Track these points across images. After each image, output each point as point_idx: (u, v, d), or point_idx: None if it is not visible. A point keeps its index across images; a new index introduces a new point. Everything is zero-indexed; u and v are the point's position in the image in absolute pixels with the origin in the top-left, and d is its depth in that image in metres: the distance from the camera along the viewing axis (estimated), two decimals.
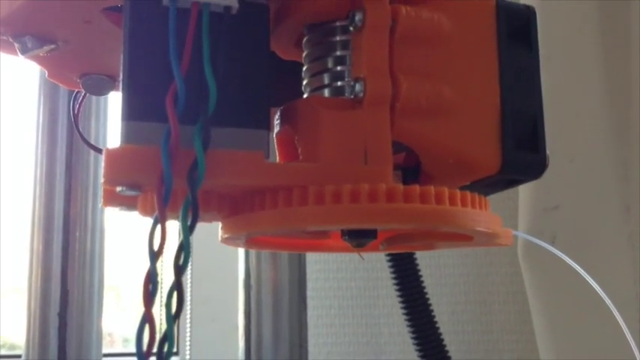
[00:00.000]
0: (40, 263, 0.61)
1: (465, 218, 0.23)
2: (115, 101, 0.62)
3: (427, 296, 0.49)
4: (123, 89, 0.23)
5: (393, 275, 0.49)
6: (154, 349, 0.21)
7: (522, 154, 0.26)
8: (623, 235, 0.75)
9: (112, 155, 0.22)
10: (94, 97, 0.61)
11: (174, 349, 0.84)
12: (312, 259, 0.86)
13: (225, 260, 0.88)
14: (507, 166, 0.26)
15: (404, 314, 0.50)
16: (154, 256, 0.21)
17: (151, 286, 0.21)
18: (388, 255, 0.48)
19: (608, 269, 0.73)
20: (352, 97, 0.25)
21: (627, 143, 0.75)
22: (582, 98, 0.75)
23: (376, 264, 0.87)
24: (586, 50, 0.74)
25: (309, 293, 0.64)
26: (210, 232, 0.30)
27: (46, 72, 0.37)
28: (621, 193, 0.75)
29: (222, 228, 0.26)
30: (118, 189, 0.23)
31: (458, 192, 0.23)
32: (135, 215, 0.26)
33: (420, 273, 0.49)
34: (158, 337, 0.21)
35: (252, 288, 0.63)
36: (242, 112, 0.24)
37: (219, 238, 0.26)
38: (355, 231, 0.26)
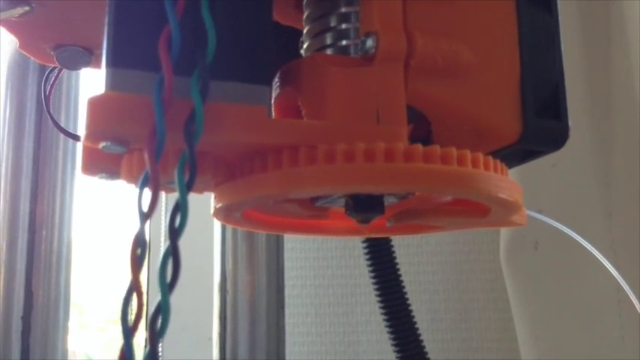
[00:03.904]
0: (3, 263, 0.58)
1: (489, 183, 0.21)
2: (86, 94, 0.59)
3: (407, 297, 0.48)
4: (108, 33, 0.20)
5: (373, 280, 0.47)
6: (143, 324, 0.18)
7: (544, 121, 0.24)
8: (605, 242, 0.75)
9: (97, 103, 0.19)
10: (64, 91, 0.58)
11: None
12: (289, 265, 0.84)
13: (197, 268, 0.85)
14: (528, 135, 0.24)
15: (383, 317, 0.48)
16: (144, 216, 0.19)
17: (139, 250, 0.18)
18: (367, 257, 0.45)
19: (590, 276, 0.72)
20: (361, 54, 0.23)
21: (610, 150, 0.74)
22: None
23: (354, 270, 0.85)
24: (566, 54, 0.74)
25: (285, 300, 0.61)
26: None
27: (18, 41, 0.34)
28: (604, 199, 0.74)
29: (215, 197, 0.23)
30: (102, 145, 0.20)
31: (481, 155, 0.21)
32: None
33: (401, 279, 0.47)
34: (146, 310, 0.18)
35: (228, 293, 0.60)
36: (242, 66, 0.22)
37: (211, 210, 0.24)
38: (362, 204, 0.24)
